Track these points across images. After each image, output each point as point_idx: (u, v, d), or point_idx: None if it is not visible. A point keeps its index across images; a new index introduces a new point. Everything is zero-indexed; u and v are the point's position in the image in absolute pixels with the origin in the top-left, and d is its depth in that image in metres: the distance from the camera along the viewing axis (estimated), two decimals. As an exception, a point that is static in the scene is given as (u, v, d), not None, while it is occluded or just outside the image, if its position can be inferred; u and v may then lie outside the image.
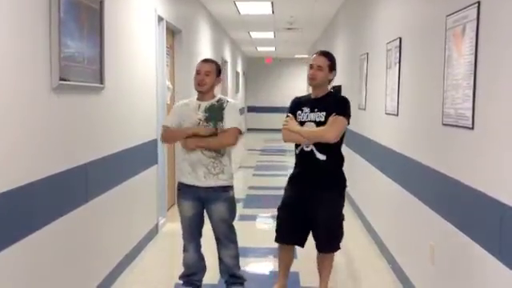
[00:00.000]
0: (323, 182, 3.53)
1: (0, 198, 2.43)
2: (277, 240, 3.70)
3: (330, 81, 3.63)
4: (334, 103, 3.55)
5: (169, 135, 3.68)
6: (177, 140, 3.78)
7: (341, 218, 3.61)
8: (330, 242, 3.61)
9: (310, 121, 3.54)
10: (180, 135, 3.60)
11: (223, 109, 3.58)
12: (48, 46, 2.88)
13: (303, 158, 3.57)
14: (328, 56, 3.62)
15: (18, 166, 2.60)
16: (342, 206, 3.63)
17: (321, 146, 3.48)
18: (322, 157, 3.49)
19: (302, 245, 3.70)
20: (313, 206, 3.52)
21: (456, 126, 2.99)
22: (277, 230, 3.70)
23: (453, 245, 3.05)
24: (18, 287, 2.64)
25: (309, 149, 3.53)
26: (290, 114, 3.63)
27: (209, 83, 3.58)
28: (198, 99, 3.65)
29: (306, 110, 3.58)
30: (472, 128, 2.77)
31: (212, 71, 3.59)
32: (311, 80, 3.58)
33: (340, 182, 3.62)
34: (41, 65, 2.83)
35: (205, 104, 3.60)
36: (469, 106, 2.80)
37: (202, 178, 3.55)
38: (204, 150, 3.53)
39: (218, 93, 3.74)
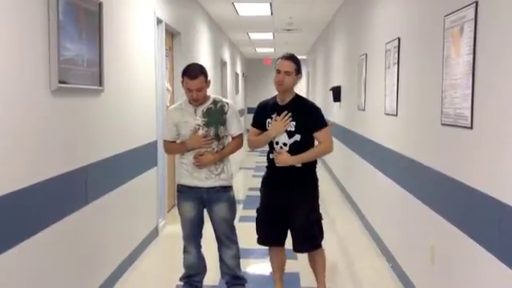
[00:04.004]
0: (300, 185, 3.57)
1: (0, 201, 2.44)
2: (259, 242, 3.73)
3: (295, 84, 3.60)
4: (307, 114, 3.55)
5: (171, 150, 3.79)
6: (180, 152, 3.71)
7: (318, 216, 3.64)
8: (307, 241, 3.63)
9: None
10: (182, 150, 3.63)
11: (225, 113, 3.56)
12: (47, 48, 2.89)
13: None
14: (294, 59, 3.55)
15: (17, 169, 2.61)
16: (319, 205, 3.67)
17: (297, 152, 3.50)
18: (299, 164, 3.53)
19: (282, 244, 3.71)
20: (291, 208, 3.55)
21: (455, 125, 3.00)
22: (258, 232, 3.72)
23: (453, 244, 3.06)
24: (18, 290, 2.65)
25: None
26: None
27: (202, 94, 3.51)
28: (191, 103, 3.56)
29: (277, 118, 3.53)
30: (471, 128, 2.77)
31: (202, 85, 3.48)
32: (279, 85, 3.53)
33: (315, 183, 3.66)
34: (40, 68, 2.83)
35: (201, 108, 3.54)
36: (467, 105, 2.80)
37: (203, 179, 3.56)
38: (207, 149, 3.54)
39: (209, 92, 3.64)
